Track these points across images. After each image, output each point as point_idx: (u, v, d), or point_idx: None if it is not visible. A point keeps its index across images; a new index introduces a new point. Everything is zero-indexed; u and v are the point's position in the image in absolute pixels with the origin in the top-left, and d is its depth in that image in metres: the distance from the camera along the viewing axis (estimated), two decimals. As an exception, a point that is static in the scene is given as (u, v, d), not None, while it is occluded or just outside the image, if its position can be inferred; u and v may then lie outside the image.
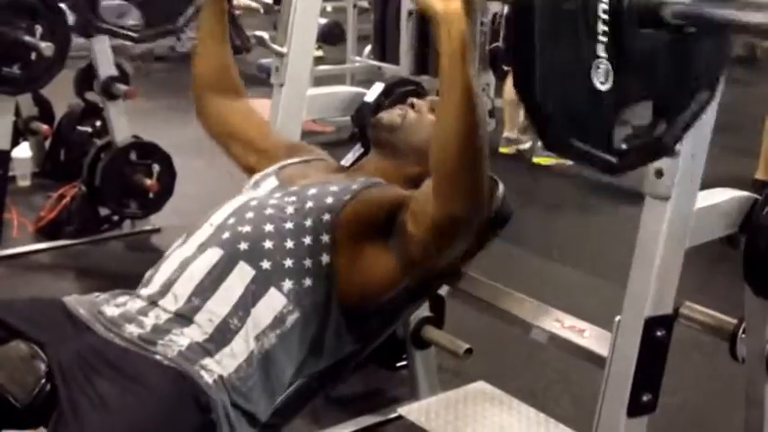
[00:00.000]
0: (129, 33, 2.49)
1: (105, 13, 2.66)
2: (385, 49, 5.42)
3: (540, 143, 4.76)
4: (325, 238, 1.41)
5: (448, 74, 1.27)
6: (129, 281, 1.48)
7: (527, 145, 4.93)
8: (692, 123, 1.10)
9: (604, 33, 0.95)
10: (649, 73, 1.02)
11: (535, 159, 4.70)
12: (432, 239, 1.36)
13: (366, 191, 1.48)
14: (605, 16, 0.95)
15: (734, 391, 1.78)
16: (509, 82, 4.89)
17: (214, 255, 1.39)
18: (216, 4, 1.75)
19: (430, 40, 5.19)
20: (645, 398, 1.40)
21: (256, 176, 1.65)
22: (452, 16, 1.24)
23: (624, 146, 1.02)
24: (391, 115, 1.64)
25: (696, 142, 1.29)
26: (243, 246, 1.39)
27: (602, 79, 0.96)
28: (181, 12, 2.34)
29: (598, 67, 0.96)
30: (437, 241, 1.37)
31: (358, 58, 5.63)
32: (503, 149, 4.86)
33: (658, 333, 1.38)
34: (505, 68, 4.96)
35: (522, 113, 5.10)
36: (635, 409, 1.40)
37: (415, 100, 1.68)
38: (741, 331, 1.59)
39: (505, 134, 4.90)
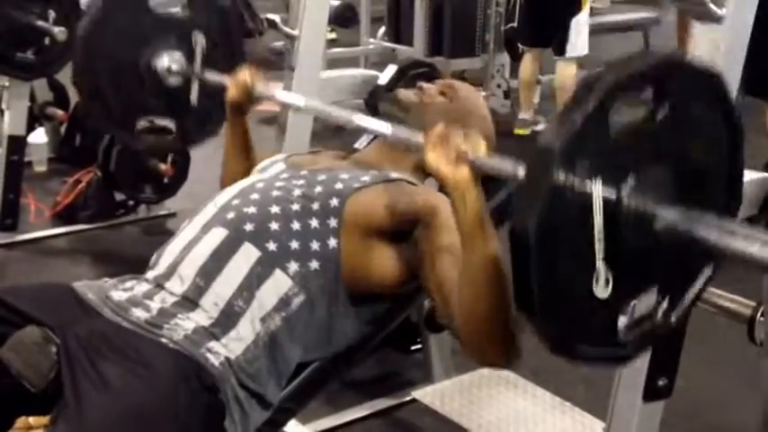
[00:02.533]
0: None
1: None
2: (399, 31, 5.39)
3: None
4: (333, 222, 1.40)
5: (467, 243, 1.24)
6: (144, 265, 1.48)
7: (542, 126, 4.89)
8: (697, 300, 1.12)
9: (600, 248, 0.98)
10: (648, 269, 1.05)
11: (551, 141, 4.66)
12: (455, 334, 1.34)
13: (377, 186, 1.44)
14: (601, 233, 0.98)
15: (751, 374, 1.77)
16: (524, 62, 4.85)
17: (219, 235, 1.39)
18: (237, 125, 1.77)
19: (444, 21, 5.16)
20: (661, 382, 1.39)
21: (264, 162, 1.65)
22: (462, 183, 1.23)
23: (629, 336, 1.05)
24: (407, 94, 1.63)
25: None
26: (248, 226, 1.39)
27: (602, 287, 1.00)
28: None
29: (597, 278, 0.99)
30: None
31: (372, 40, 5.60)
32: (518, 131, 4.82)
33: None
34: (521, 49, 4.93)
35: (537, 94, 5.07)
36: (651, 393, 1.39)
37: (423, 84, 1.66)
38: (759, 315, 1.57)
39: (521, 115, 4.87)
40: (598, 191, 0.97)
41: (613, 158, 1.00)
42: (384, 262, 1.41)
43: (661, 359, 1.38)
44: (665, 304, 1.09)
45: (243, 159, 1.77)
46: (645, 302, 1.07)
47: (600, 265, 0.99)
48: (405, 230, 1.41)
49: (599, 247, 0.98)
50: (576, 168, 0.96)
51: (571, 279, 0.99)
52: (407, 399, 2.25)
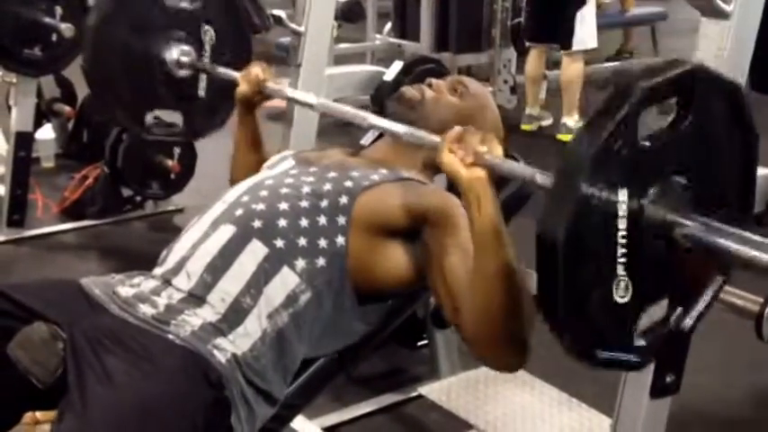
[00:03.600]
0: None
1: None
2: (405, 27, 5.38)
3: (562, 120, 4.73)
4: (342, 220, 1.40)
5: (481, 250, 1.24)
6: (151, 260, 1.48)
7: (549, 121, 4.89)
8: (709, 308, 1.14)
9: (623, 255, 1.01)
10: (665, 276, 1.07)
11: (558, 136, 4.66)
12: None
13: (387, 185, 1.44)
14: (624, 241, 1.01)
15: (759, 370, 1.77)
16: (531, 58, 4.84)
17: (227, 232, 1.39)
18: (247, 120, 1.77)
19: (450, 17, 5.15)
20: (668, 379, 1.38)
21: (273, 159, 1.65)
22: (477, 185, 1.22)
23: (643, 342, 1.07)
24: (413, 91, 1.62)
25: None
26: (256, 223, 1.38)
27: (622, 293, 1.03)
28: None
29: (618, 284, 1.02)
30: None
31: (378, 36, 5.59)
32: (524, 126, 4.82)
33: (682, 313, 1.36)
34: (527, 44, 4.92)
35: (544, 89, 5.06)
36: (658, 390, 1.38)
37: (433, 80, 1.66)
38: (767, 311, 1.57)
39: (527, 111, 4.86)
40: (624, 199, 1.00)
41: (639, 167, 1.02)
42: (392, 261, 1.41)
43: (668, 356, 1.37)
44: (678, 310, 1.10)
45: (252, 154, 1.77)
46: (660, 308, 1.09)
47: (621, 270, 1.01)
48: (414, 230, 1.40)
49: (621, 254, 1.01)
50: (605, 177, 0.98)
51: (594, 286, 1.01)
52: (414, 395, 2.25)
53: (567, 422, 2.00)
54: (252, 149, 1.77)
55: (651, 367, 1.37)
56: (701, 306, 1.13)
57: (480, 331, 1.26)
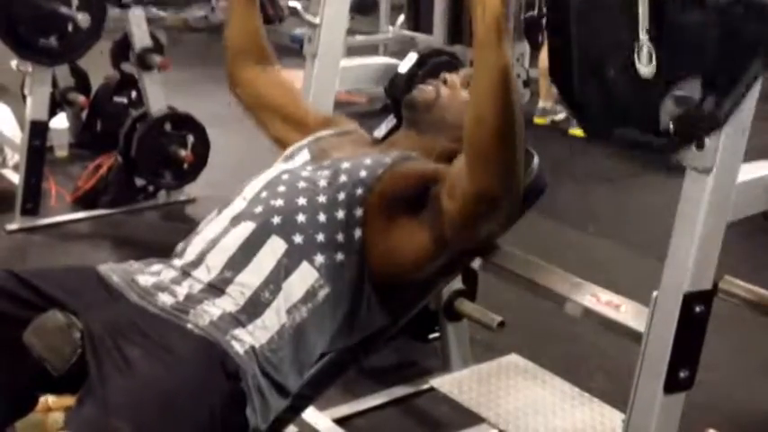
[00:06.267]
0: None
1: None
2: (418, 19, 5.36)
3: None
4: (359, 212, 1.40)
5: (482, 55, 1.25)
6: (164, 250, 1.49)
7: (562, 115, 4.87)
8: (744, 96, 1.03)
9: (645, 12, 0.90)
10: (695, 49, 0.95)
11: (571, 130, 4.64)
12: (465, 218, 1.35)
13: (399, 164, 1.46)
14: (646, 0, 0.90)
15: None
16: (544, 52, 4.83)
17: (247, 228, 1.39)
18: None
19: (464, 9, 5.13)
20: (682, 374, 1.38)
21: (289, 149, 1.64)
22: None
23: (672, 125, 0.97)
24: (424, 94, 1.62)
25: (739, 113, 1.25)
26: (276, 219, 1.39)
27: (644, 61, 0.91)
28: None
29: (640, 49, 0.91)
30: (470, 220, 1.36)
31: (391, 28, 5.58)
32: (537, 120, 4.80)
33: (697, 309, 1.35)
34: (540, 38, 4.89)
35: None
36: (672, 385, 1.38)
37: (447, 75, 1.65)
38: (782, 307, 1.55)
39: (540, 104, 4.84)
40: None
41: None
42: (408, 240, 1.42)
43: (683, 350, 1.37)
44: (712, 96, 0.98)
45: (248, 18, 1.73)
46: (690, 89, 0.96)
47: (643, 36, 0.91)
48: (424, 198, 1.42)
49: (643, 16, 0.90)
50: None
51: (612, 50, 0.91)
52: (425, 387, 2.25)
53: (579, 417, 2.00)
54: (246, 8, 1.72)
55: (665, 362, 1.37)
56: (736, 94, 1.00)
57: (475, 140, 1.28)
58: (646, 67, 0.91)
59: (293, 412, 1.55)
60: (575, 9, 0.87)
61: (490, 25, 1.22)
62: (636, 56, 0.90)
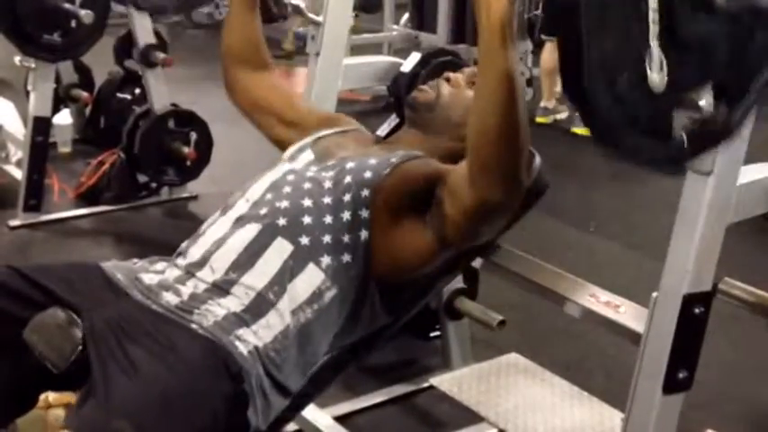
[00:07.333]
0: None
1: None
2: (422, 18, 5.36)
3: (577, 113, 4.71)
4: (365, 213, 1.40)
5: (486, 56, 1.22)
6: (166, 247, 1.49)
7: (564, 114, 4.87)
8: (756, 105, 1.02)
9: (655, 20, 0.90)
10: (706, 57, 0.95)
11: (573, 129, 4.64)
12: (467, 221, 1.35)
13: (405, 164, 1.46)
14: (656, 10, 0.90)
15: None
16: (546, 51, 4.82)
17: (252, 230, 1.39)
18: None
19: (468, 8, 5.13)
20: (681, 375, 1.38)
21: (291, 149, 1.64)
22: None
23: (684, 135, 0.97)
24: (426, 94, 1.61)
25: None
26: (281, 221, 1.39)
27: (656, 71, 0.91)
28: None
29: (651, 61, 0.91)
30: (473, 223, 1.35)
31: (395, 27, 5.58)
32: (540, 119, 4.80)
33: (696, 310, 1.36)
34: (543, 37, 4.89)
35: (559, 83, 5.03)
36: (671, 385, 1.38)
37: (451, 74, 1.65)
38: (782, 308, 1.55)
39: (543, 103, 4.85)
40: None
41: None
42: (414, 237, 1.42)
43: (682, 351, 1.37)
44: (722, 107, 0.98)
45: (247, 20, 1.71)
46: (702, 98, 0.96)
47: (654, 45, 0.90)
48: (430, 196, 1.42)
49: (653, 24, 0.89)
50: None
51: (623, 60, 0.91)
52: (425, 385, 2.25)
53: (578, 416, 2.00)
54: (245, 11, 1.71)
55: (664, 362, 1.37)
56: (748, 103, 1.00)
57: (479, 145, 1.26)
58: (657, 76, 0.91)
59: (294, 410, 1.55)
60: (586, 19, 0.87)
61: (495, 29, 1.20)
62: (647, 65, 0.90)
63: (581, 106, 0.92)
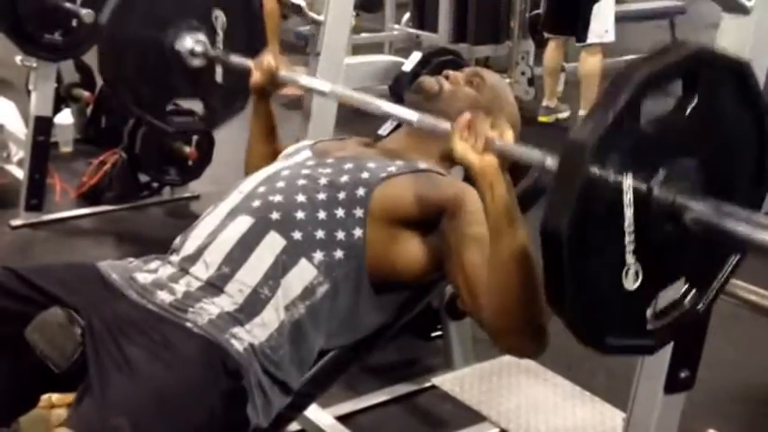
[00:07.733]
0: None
1: None
2: (424, 17, 5.37)
3: (580, 112, 4.71)
4: (359, 212, 1.40)
5: (496, 234, 1.24)
6: (167, 246, 1.49)
7: (566, 114, 4.86)
8: (725, 286, 1.12)
9: (631, 242, 0.99)
10: (676, 260, 1.05)
11: (575, 129, 4.63)
12: (479, 321, 1.35)
13: (405, 176, 1.44)
14: (631, 228, 0.99)
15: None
16: (548, 50, 4.82)
17: (244, 223, 1.39)
18: (261, 108, 1.77)
19: (468, 8, 5.13)
20: (682, 374, 1.38)
21: (289, 149, 1.64)
22: (489, 171, 1.23)
23: (656, 325, 1.06)
24: (430, 82, 1.62)
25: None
26: (274, 215, 1.39)
27: (631, 280, 1.01)
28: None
29: (627, 271, 1.00)
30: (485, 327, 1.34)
31: (396, 26, 5.58)
32: (541, 118, 4.80)
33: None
34: (545, 36, 4.89)
35: (561, 82, 5.03)
36: (672, 385, 1.38)
37: (450, 72, 1.65)
38: (783, 308, 1.56)
39: (544, 103, 4.84)
40: (629, 185, 0.98)
41: (644, 152, 1.00)
42: (409, 252, 1.41)
43: (683, 351, 1.37)
44: (692, 293, 1.09)
45: (268, 143, 1.77)
46: (672, 292, 1.07)
47: (630, 258, 1.00)
48: (431, 221, 1.41)
49: (629, 240, 0.99)
50: (608, 163, 0.97)
51: (601, 272, 1.00)
52: (427, 385, 2.25)
53: (580, 415, 2.00)
54: (267, 139, 1.77)
55: (666, 362, 1.37)
56: (715, 288, 1.11)
57: (499, 317, 1.27)
58: (632, 284, 1.01)
59: (296, 410, 1.55)
60: (566, 244, 0.96)
61: (501, 213, 1.23)
62: (624, 276, 1.00)
63: (563, 314, 1.02)
